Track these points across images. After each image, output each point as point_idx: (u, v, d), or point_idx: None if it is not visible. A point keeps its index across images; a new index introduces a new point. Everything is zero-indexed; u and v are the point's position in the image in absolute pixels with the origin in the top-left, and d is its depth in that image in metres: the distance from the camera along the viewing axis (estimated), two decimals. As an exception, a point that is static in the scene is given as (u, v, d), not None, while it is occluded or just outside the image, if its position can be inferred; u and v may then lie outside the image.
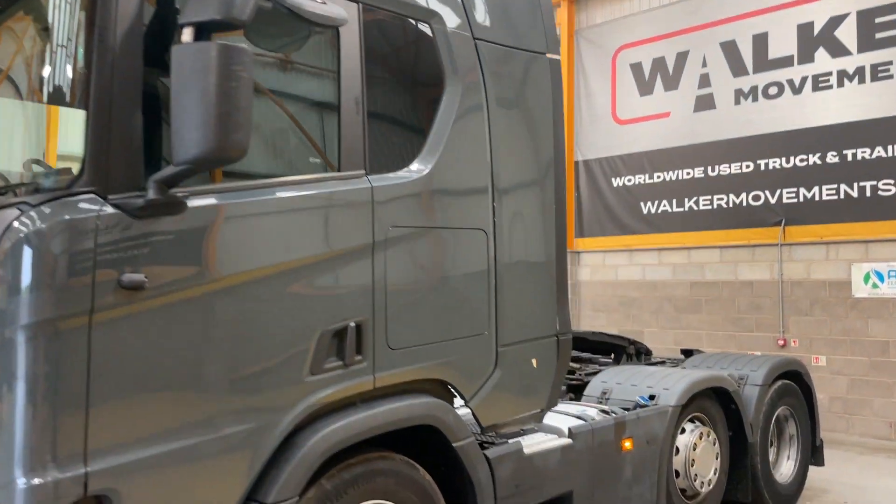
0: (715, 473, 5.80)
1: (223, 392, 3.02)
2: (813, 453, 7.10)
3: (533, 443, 4.40)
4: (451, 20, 4.04)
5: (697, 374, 5.82)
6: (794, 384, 6.80)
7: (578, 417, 4.88)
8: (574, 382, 6.05)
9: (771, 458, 6.79)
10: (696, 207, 11.75)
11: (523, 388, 4.31)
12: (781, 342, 10.62)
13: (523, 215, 4.36)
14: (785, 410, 6.76)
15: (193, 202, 2.91)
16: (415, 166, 3.79)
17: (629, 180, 12.57)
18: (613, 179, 12.77)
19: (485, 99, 4.16)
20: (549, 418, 4.80)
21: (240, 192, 3.15)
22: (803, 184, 10.70)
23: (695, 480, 5.56)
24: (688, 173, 11.88)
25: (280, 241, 3.22)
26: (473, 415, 4.05)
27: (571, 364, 6.73)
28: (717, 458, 5.83)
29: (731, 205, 11.40)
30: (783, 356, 7.21)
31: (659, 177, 12.20)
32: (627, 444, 4.94)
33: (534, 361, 4.36)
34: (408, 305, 3.70)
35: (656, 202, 12.21)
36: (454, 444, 3.84)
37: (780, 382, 6.62)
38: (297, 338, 3.26)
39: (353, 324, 3.44)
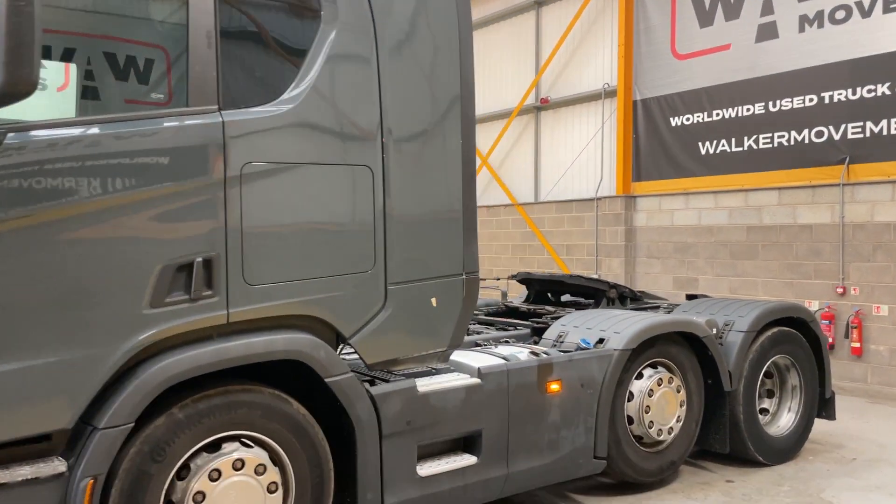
0: (679, 422, 5.54)
1: (52, 320, 3.18)
2: (823, 406, 6.62)
3: (432, 382, 4.35)
4: (330, -50, 3.93)
5: (657, 318, 5.53)
6: (795, 332, 6.32)
7: (504, 359, 4.77)
8: (539, 326, 5.90)
9: (772, 409, 6.41)
10: (754, 146, 10.99)
11: (420, 327, 4.26)
12: (840, 290, 9.86)
13: (422, 153, 4.24)
14: (784, 360, 6.31)
15: (14, 139, 3.04)
16: (281, 101, 3.77)
17: (687, 119, 11.90)
18: (671, 119, 12.12)
19: (372, 29, 4.04)
20: (474, 359, 4.75)
21: (67, 126, 3.26)
22: (870, 117, 9.77)
23: (650, 428, 5.33)
24: (747, 109, 11.11)
25: (111, 176, 3.30)
26: (356, 351, 4.05)
27: (546, 307, 6.59)
28: (682, 406, 5.55)
29: (791, 142, 10.58)
30: (781, 301, 6.69)
31: (717, 114, 11.47)
32: (554, 387, 4.80)
33: (433, 301, 4.29)
34: (270, 242, 3.72)
35: (714, 142, 11.52)
36: (326, 380, 3.88)
37: (774, 330, 6.17)
38: (133, 271, 3.36)
39: (199, 259, 3.51)
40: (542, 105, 14.36)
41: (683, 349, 5.62)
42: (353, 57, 3.99)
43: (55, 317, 3.19)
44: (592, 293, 6.74)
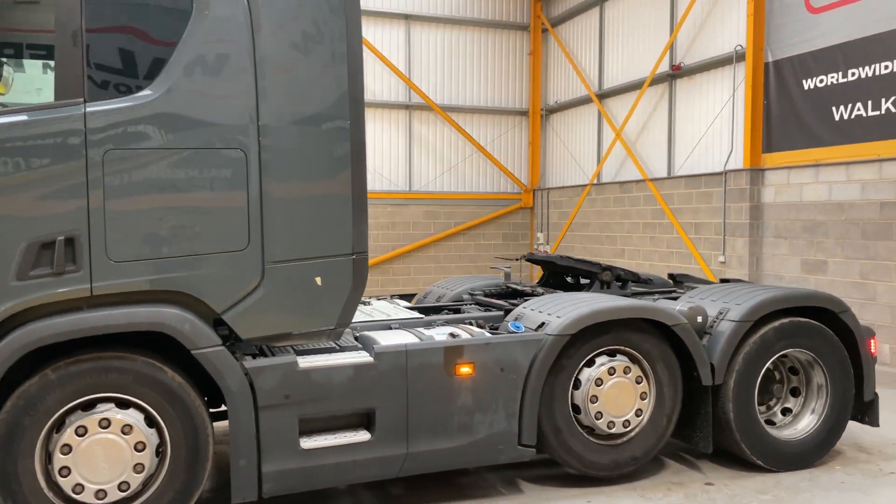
0: (639, 416, 5.13)
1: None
2: (863, 410, 5.76)
3: (318, 359, 4.46)
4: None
5: (608, 303, 5.13)
6: (817, 324, 5.54)
7: (418, 339, 4.75)
8: (511, 309, 5.72)
9: (795, 409, 5.72)
10: (893, 109, 9.56)
11: (303, 306, 4.38)
12: (983, 277, 8.37)
13: (306, 136, 4.32)
14: (804, 355, 5.57)
15: None
16: (146, 92, 4.06)
17: (820, 81, 10.62)
18: (804, 81, 10.87)
19: (248, 19, 4.19)
20: (395, 338, 4.78)
21: None
22: None
23: (598, 419, 5.01)
24: (885, 67, 9.69)
25: (-24, 165, 3.80)
26: (230, 326, 4.27)
27: (538, 290, 6.36)
28: (643, 399, 5.14)
29: (933, 103, 9.09)
30: (795, 289, 5.82)
31: (853, 73, 10.12)
32: (465, 370, 4.68)
33: (318, 280, 4.38)
34: (133, 222, 4.04)
35: (849, 105, 10.19)
36: (192, 352, 4.15)
37: (783, 320, 5.46)
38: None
39: (62, 238, 3.92)
40: (675, 72, 13.46)
41: (651, 337, 5.18)
42: (226, 46, 4.16)
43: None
44: (587, 275, 6.36)
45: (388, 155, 16.73)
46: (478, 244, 17.43)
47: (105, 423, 4.03)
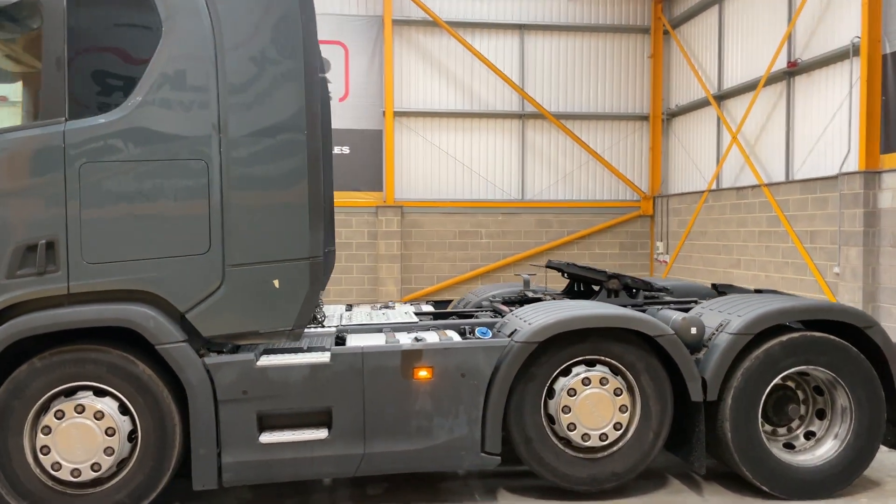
0: (619, 429, 4.91)
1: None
2: (892, 435, 5.16)
3: (275, 358, 4.67)
4: (174, -30, 4.51)
5: (585, 311, 4.93)
6: (837, 340, 5.03)
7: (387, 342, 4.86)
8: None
9: (819, 433, 5.24)
10: None
11: (261, 307, 4.62)
12: None
13: (263, 146, 4.57)
14: (824, 374, 5.07)
15: None
16: (117, 109, 4.49)
17: (942, 72, 9.54)
18: (925, 73, 9.82)
19: (212, 39, 4.52)
20: (366, 340, 4.93)
21: None
22: None
23: (571, 430, 4.85)
24: None
25: (-27, 177, 4.38)
26: (193, 324, 4.59)
27: (548, 297, 6.24)
28: (622, 412, 4.91)
29: None
30: (809, 300, 5.25)
31: (978, 63, 9.02)
32: (423, 374, 4.71)
33: (275, 282, 4.61)
34: (106, 227, 4.48)
35: (973, 98, 9.08)
36: (156, 346, 4.52)
37: (793, 335, 5.00)
38: (-9, 247, 4.41)
39: (43, 241, 4.42)
40: (791, 69, 12.55)
41: (634, 349, 4.94)
42: (191, 65, 4.52)
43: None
44: (597, 283, 6.11)
45: (500, 164, 16.83)
46: (593, 254, 17.07)
47: (80, 409, 4.47)
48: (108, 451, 4.48)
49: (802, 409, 5.28)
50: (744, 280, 13.58)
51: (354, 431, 4.68)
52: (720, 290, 6.58)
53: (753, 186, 13.50)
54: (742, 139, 13.99)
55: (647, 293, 6.11)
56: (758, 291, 6.16)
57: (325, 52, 15.88)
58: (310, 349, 4.87)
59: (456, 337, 4.99)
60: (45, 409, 4.50)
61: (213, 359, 4.60)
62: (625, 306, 5.60)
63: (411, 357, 4.73)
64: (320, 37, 16.06)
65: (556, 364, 4.90)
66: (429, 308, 6.68)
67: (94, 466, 4.47)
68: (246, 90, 4.55)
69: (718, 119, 15.01)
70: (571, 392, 4.87)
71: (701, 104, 15.76)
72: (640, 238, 17.35)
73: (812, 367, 5.04)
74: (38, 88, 4.52)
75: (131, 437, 4.57)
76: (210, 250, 4.55)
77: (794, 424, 5.31)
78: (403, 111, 16.35)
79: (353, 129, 16.12)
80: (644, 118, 17.30)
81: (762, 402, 5.00)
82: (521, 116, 16.85)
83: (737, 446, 4.96)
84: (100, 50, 4.60)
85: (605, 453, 4.96)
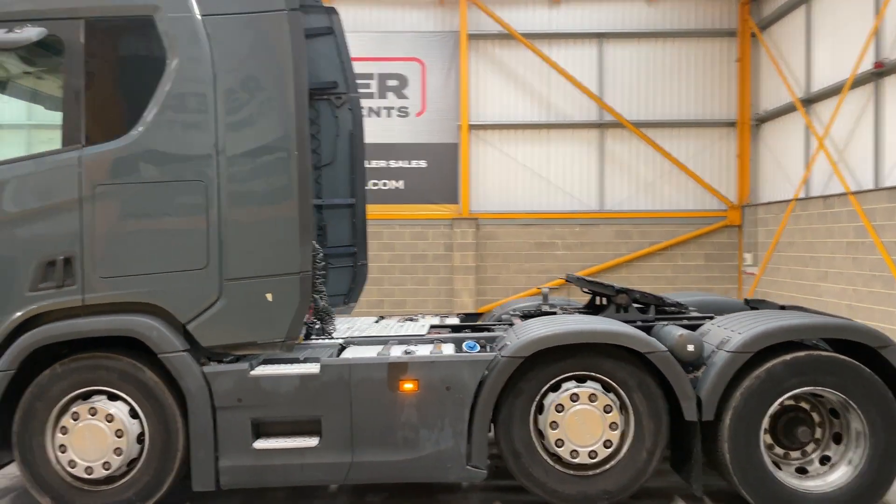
0: (608, 447, 4.84)
1: (-30, 297, 4.88)
2: (918, 465, 4.83)
3: (269, 368, 4.90)
4: (174, 6, 4.85)
5: (571, 326, 4.88)
6: (845, 360, 4.76)
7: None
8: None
9: (835, 458, 4.99)
10: None
11: (255, 319, 4.88)
12: None
13: (256, 167, 4.86)
14: (835, 396, 4.82)
15: None
16: (126, 136, 4.87)
17: None
18: None
19: (211, 68, 4.85)
20: (364, 352, 5.11)
21: None
22: None
23: (559, 446, 4.82)
24: None
25: (7, 198, 4.86)
26: (193, 335, 4.89)
27: (559, 311, 6.21)
28: (613, 429, 4.83)
29: None
30: (815, 317, 4.96)
31: None
32: (408, 386, 4.81)
33: (268, 296, 4.86)
34: (116, 244, 4.87)
35: None
36: (159, 355, 4.85)
37: (798, 354, 4.78)
38: (20, 265, 4.87)
39: (62, 258, 4.85)
40: (879, 70, 11.83)
41: (626, 365, 4.86)
42: (192, 94, 4.85)
43: (-28, 294, 4.88)
44: (606, 298, 5.99)
45: (578, 175, 16.66)
46: (675, 265, 16.59)
47: (93, 412, 4.86)
48: (118, 451, 4.84)
49: (818, 433, 5.02)
50: (832, 295, 12.86)
51: (343, 441, 4.84)
52: (752, 305, 6.33)
53: (840, 195, 12.77)
54: (830, 145, 13.28)
55: (662, 308, 5.94)
56: (782, 308, 5.90)
57: (403, 68, 16.30)
58: (306, 360, 5.07)
59: (449, 351, 5.07)
60: (64, 410, 4.91)
61: (211, 368, 4.89)
62: (633, 322, 5.51)
63: (397, 370, 4.85)
64: (398, 54, 16.49)
65: (544, 379, 4.89)
66: (453, 321, 6.77)
67: (105, 465, 4.84)
68: (239, 113, 4.84)
69: (805, 124, 14.31)
70: (559, 408, 4.85)
71: (789, 109, 15.05)
72: (726, 249, 16.71)
73: (820, 388, 4.79)
74: (62, 116, 4.94)
75: (140, 439, 4.91)
76: (208, 265, 4.84)
77: (810, 448, 5.06)
78: (479, 124, 16.49)
79: (430, 143, 16.40)
80: (731, 125, 16.67)
81: (764, 423, 4.80)
82: (600, 126, 16.62)
83: (736, 468, 4.78)
84: (112, 81, 5.01)
85: (597, 471, 4.90)
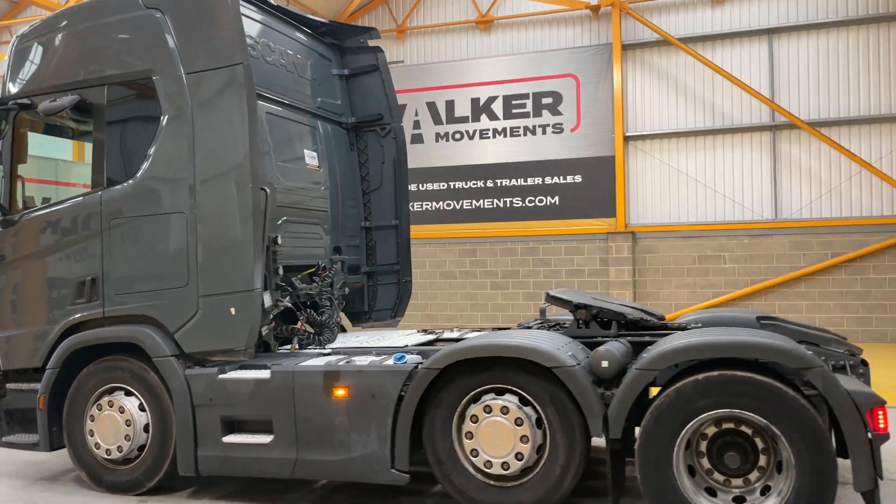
0: (519, 459, 4.88)
1: (34, 308, 6.23)
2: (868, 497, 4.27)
3: (232, 373, 5.62)
4: (166, 68, 5.84)
5: (486, 340, 4.96)
6: (765, 381, 4.35)
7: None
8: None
9: (776, 488, 4.62)
10: None
11: (221, 330, 5.65)
12: None
13: (220, 200, 5.66)
14: (760, 420, 4.44)
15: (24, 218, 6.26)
16: (132, 180, 5.93)
17: None
18: None
19: (191, 118, 5.76)
20: (319, 360, 5.70)
21: (36, 210, 6.26)
22: None
23: (474, 456, 4.97)
24: None
25: (53, 233, 6.16)
26: (177, 343, 5.78)
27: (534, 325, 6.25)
28: (524, 442, 4.86)
29: None
30: (748, 336, 4.51)
31: None
32: (340, 393, 5.24)
33: (232, 310, 5.61)
34: (126, 267, 5.93)
35: None
36: (153, 359, 5.81)
37: (711, 373, 4.46)
38: (64, 283, 6.13)
39: (89, 278, 6.02)
40: None
41: (539, 380, 4.88)
42: (178, 142, 5.77)
43: (34, 307, 6.22)
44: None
45: (747, 182, 15.59)
46: (866, 279, 14.82)
47: (111, 404, 5.94)
48: (127, 437, 5.86)
49: (763, 460, 4.63)
50: None
51: (290, 439, 5.41)
52: (763, 324, 5.86)
53: None
54: None
55: (637, 322, 5.67)
56: (759, 319, 5.44)
57: (557, 85, 16.50)
58: (268, 367, 5.72)
59: (389, 363, 5.43)
60: (94, 402, 6.05)
61: (191, 370, 5.74)
62: (591, 338, 5.46)
63: (330, 377, 5.32)
64: (551, 72, 16.64)
65: (464, 391, 5.07)
66: (471, 335, 7.02)
67: (119, 448, 5.88)
68: (209, 152, 5.66)
69: None
70: (474, 419, 5.00)
71: None
72: (932, 259, 14.61)
73: (738, 410, 4.45)
74: (91, 163, 6.15)
75: (147, 429, 5.90)
76: (188, 284, 5.72)
77: (753, 476, 4.67)
78: (636, 135, 16.13)
79: (585, 158, 16.36)
80: (933, 117, 14.61)
81: (678, 444, 4.56)
82: (773, 128, 15.43)
83: (647, 489, 4.60)
84: (125, 134, 6.10)
85: (515, 483, 4.96)
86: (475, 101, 17.00)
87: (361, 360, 5.49)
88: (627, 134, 16.12)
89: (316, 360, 5.64)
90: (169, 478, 5.87)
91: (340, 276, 7.15)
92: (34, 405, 6.14)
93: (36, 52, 6.36)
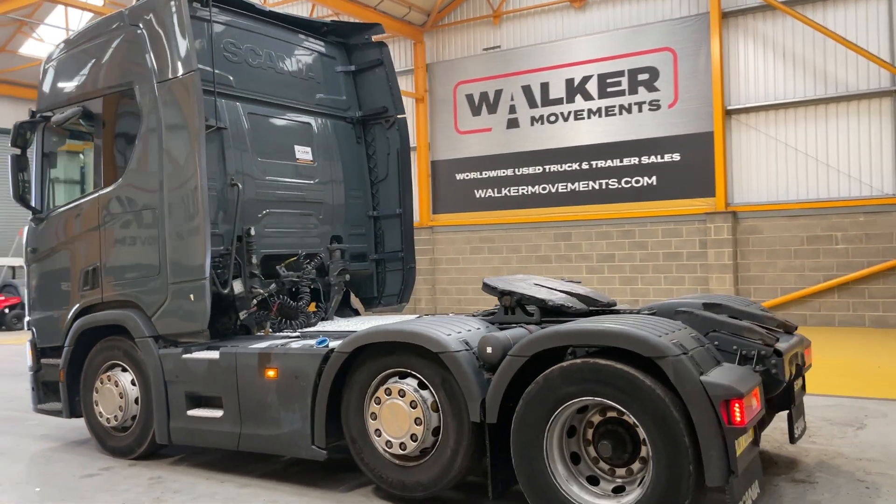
0: (414, 440, 5.00)
1: (59, 293, 7.17)
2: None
3: (194, 354, 6.15)
4: (144, 79, 6.49)
5: (384, 326, 5.08)
6: (623, 369, 4.17)
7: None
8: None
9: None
10: None
11: (185, 314, 6.21)
12: None
13: (180, 197, 6.21)
14: (622, 410, 4.28)
15: (50, 216, 7.22)
16: (120, 180, 6.65)
17: None
18: None
19: (159, 124, 6.36)
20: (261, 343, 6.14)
21: (56, 210, 7.16)
22: None
23: (378, 436, 5.17)
24: None
25: (68, 227, 7.04)
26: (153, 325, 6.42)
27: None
28: (417, 424, 4.97)
29: None
30: (611, 324, 4.23)
31: None
32: (271, 373, 5.60)
33: (191, 296, 6.16)
34: (116, 257, 6.67)
35: None
36: (136, 339, 6.51)
37: (575, 361, 4.35)
38: (76, 272, 7.00)
39: (92, 268, 6.84)
40: None
41: (430, 363, 4.97)
42: (151, 146, 6.40)
43: (62, 292, 7.14)
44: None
45: (864, 154, 14.20)
46: None
47: (109, 378, 6.72)
48: (121, 408, 6.61)
49: (644, 451, 4.45)
50: None
51: (235, 415, 5.87)
52: (679, 311, 5.46)
53: None
54: None
55: (559, 309, 5.53)
56: (706, 306, 5.15)
57: (654, 60, 15.92)
58: (220, 349, 6.18)
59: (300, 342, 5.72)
60: (100, 376, 6.87)
61: (164, 350, 6.36)
62: (513, 325, 5.45)
63: (263, 359, 5.71)
64: (647, 46, 16.26)
65: (373, 373, 5.26)
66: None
67: (115, 418, 6.65)
68: (170, 154, 6.24)
69: None
70: (377, 400, 5.18)
71: None
72: None
73: (600, 398, 4.32)
74: (93, 166, 6.95)
75: (137, 401, 6.62)
76: (160, 273, 6.34)
77: (636, 467, 4.52)
78: (739, 108, 15.16)
79: (683, 135, 15.63)
80: None
81: (550, 430, 4.49)
82: (894, 94, 13.93)
83: (520, 474, 4.57)
84: (117, 138, 6.83)
85: (415, 463, 5.09)
86: (569, 82, 16.73)
87: (296, 344, 5.84)
88: (729, 107, 15.20)
89: (259, 343, 6.05)
90: (159, 446, 6.54)
91: (339, 264, 7.54)
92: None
93: (56, 71, 7.26)
